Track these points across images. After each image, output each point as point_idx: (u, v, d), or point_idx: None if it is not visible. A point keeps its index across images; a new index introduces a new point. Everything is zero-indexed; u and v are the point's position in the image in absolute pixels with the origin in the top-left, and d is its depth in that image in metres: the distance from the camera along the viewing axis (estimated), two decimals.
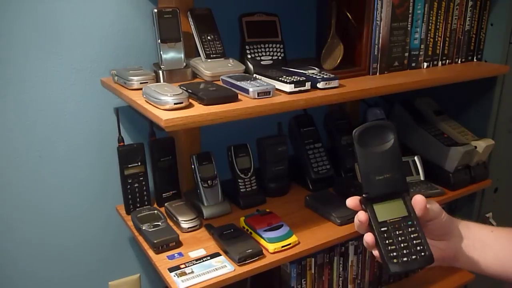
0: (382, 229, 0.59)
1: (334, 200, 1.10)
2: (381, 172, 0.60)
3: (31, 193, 1.08)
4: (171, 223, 1.01)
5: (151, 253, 0.93)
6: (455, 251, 0.65)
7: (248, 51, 1.02)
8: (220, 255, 0.92)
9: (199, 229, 1.02)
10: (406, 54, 1.13)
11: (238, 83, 0.87)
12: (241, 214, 1.05)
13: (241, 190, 1.12)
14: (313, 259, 1.10)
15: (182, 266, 0.88)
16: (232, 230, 0.98)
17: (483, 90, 1.26)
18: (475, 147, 1.21)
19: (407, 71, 1.14)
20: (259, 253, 0.91)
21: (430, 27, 1.15)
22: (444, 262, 0.65)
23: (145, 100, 0.83)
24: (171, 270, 0.87)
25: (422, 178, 1.22)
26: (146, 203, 1.09)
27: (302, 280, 1.10)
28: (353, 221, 0.62)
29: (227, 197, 1.11)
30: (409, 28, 1.11)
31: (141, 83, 0.91)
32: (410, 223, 0.60)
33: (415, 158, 1.23)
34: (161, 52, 0.95)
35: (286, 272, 1.09)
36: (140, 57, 1.11)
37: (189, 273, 0.86)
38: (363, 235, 0.61)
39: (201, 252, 0.93)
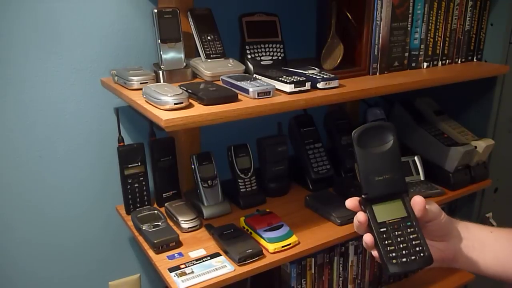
0: (381, 229, 0.59)
1: (334, 200, 1.10)
2: (380, 173, 0.60)
3: (31, 193, 1.08)
4: (171, 223, 1.01)
5: (151, 253, 0.93)
6: (454, 252, 0.65)
7: (248, 51, 1.02)
8: (220, 255, 0.92)
9: (199, 229, 1.02)
10: (406, 54, 1.13)
11: (238, 83, 0.87)
12: (241, 214, 1.05)
13: (241, 190, 1.12)
14: (313, 259, 1.10)
15: (182, 266, 0.89)
16: (232, 230, 0.98)
17: (483, 90, 1.26)
18: (475, 147, 1.21)
19: (407, 71, 1.14)
20: (259, 253, 0.91)
21: (430, 27, 1.15)
22: (444, 263, 0.65)
23: (145, 100, 0.83)
24: (171, 270, 0.87)
25: (422, 178, 1.22)
26: (146, 203, 1.09)
27: (302, 280, 1.10)
28: (353, 221, 0.62)
29: (227, 197, 1.11)
30: (409, 28, 1.10)
31: (141, 83, 0.91)
32: (409, 223, 0.60)
33: (415, 158, 1.23)
34: (161, 52, 0.95)
35: (286, 272, 1.09)
36: (140, 57, 1.11)
37: (189, 273, 0.86)
38: (363, 235, 0.61)
39: (201, 252, 0.94)
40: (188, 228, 1.01)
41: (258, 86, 0.85)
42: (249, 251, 0.90)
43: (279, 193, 1.19)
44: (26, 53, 0.99)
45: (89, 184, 1.14)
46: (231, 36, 1.04)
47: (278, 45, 1.06)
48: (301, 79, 0.88)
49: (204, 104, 0.80)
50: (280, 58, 1.05)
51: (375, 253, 0.60)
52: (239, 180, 1.12)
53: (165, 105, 0.77)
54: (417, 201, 0.60)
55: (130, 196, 1.07)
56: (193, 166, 1.07)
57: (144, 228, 0.97)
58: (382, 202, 0.61)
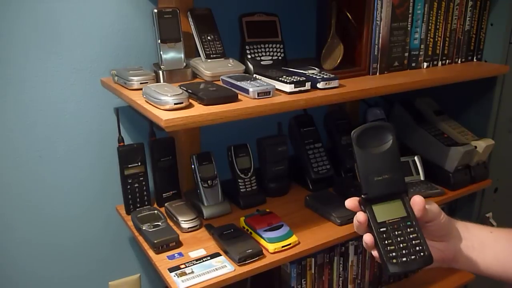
0: (381, 229, 0.59)
1: (334, 200, 1.10)
2: (380, 173, 0.60)
3: (31, 193, 1.08)
4: (171, 223, 1.01)
5: (151, 253, 0.93)
6: (454, 252, 0.65)
7: (248, 51, 1.02)
8: (220, 255, 0.92)
9: (199, 229, 1.02)
10: (406, 54, 1.13)
11: (238, 83, 0.87)
12: (241, 214, 1.05)
13: (241, 190, 1.12)
14: (313, 259, 1.10)
15: (182, 266, 0.89)
16: (232, 230, 0.98)
17: (483, 90, 1.26)
18: (475, 147, 1.21)
19: (407, 71, 1.14)
20: (259, 253, 0.91)
21: (430, 27, 1.15)
22: (444, 263, 0.65)
23: (145, 100, 0.83)
24: (171, 270, 0.87)
25: (422, 178, 1.22)
26: (146, 203, 1.09)
27: (302, 280, 1.10)
28: (353, 221, 0.62)
29: (227, 197, 1.11)
30: (409, 28, 1.10)
31: (141, 83, 0.91)
32: (409, 223, 0.60)
33: (415, 158, 1.23)
34: (161, 52, 0.95)
35: (286, 272, 1.09)
36: (140, 57, 1.11)
37: (189, 273, 0.86)
38: (363, 235, 0.61)
39: (201, 252, 0.94)
40: (188, 228, 1.01)
41: (258, 86, 0.85)
42: (249, 251, 0.90)
43: (279, 193, 1.19)
44: (26, 53, 0.99)
45: (89, 184, 1.14)
46: (231, 36, 1.04)
47: (278, 45, 1.06)
48: (301, 79, 0.88)
49: (204, 104, 0.80)
50: (280, 58, 1.05)
51: (375, 253, 0.60)
52: (239, 180, 1.12)
53: (165, 105, 0.77)
54: (417, 201, 0.60)
55: (130, 196, 1.07)
56: (193, 166, 1.07)
57: (144, 228, 0.97)
58: (381, 202, 0.61)
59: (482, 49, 1.28)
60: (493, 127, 1.28)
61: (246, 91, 0.85)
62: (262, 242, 0.95)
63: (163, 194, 1.12)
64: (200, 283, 0.84)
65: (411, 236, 0.59)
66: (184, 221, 1.01)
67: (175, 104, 0.77)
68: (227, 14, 1.07)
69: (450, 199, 1.21)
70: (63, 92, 1.05)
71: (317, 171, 1.20)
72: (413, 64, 1.15)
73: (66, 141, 1.09)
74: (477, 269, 0.66)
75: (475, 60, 1.28)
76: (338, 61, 1.03)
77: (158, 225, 0.98)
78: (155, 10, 0.94)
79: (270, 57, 1.04)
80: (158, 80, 0.95)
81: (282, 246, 0.94)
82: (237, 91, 0.85)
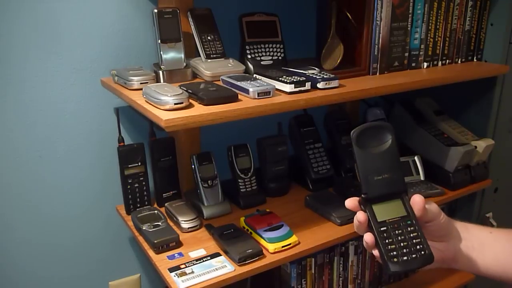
0: (382, 229, 0.59)
1: (334, 200, 1.10)
2: (379, 173, 0.60)
3: (31, 193, 1.08)
4: (171, 223, 1.01)
5: (151, 253, 0.93)
6: (454, 252, 0.65)
7: (248, 51, 1.02)
8: (220, 255, 0.92)
9: (199, 229, 1.02)
10: (406, 54, 1.13)
11: (238, 83, 0.87)
12: (241, 214, 1.05)
13: (241, 190, 1.12)
14: (313, 259, 1.10)
15: (182, 266, 0.89)
16: (232, 230, 0.98)
17: (483, 90, 1.26)
18: (475, 147, 1.21)
19: (407, 71, 1.14)
20: (259, 253, 0.91)
21: (430, 27, 1.15)
22: (444, 263, 0.65)
23: (145, 100, 0.83)
24: (171, 270, 0.87)
25: (422, 178, 1.22)
26: (146, 203, 1.09)
27: (302, 280, 1.10)
28: (353, 221, 0.62)
29: (227, 197, 1.11)
30: (409, 28, 1.11)
31: (141, 83, 0.91)
32: (409, 222, 0.60)
33: (415, 158, 1.23)
34: (161, 52, 0.95)
35: (286, 272, 1.09)
36: (140, 57, 1.11)
37: (189, 273, 0.86)
38: (363, 235, 0.61)
39: (201, 252, 0.94)
40: (188, 228, 1.01)
41: (258, 86, 0.85)
42: (249, 251, 0.90)
43: (279, 193, 1.19)
44: (26, 53, 0.99)
45: (89, 184, 1.14)
46: (231, 36, 1.04)
47: (278, 45, 1.06)
48: (301, 79, 0.88)
49: (204, 104, 0.80)
50: (280, 58, 1.05)
51: (375, 252, 0.60)
52: (239, 180, 1.12)
53: (165, 105, 0.77)
54: (417, 201, 0.61)
55: (130, 196, 1.07)
56: (193, 166, 1.07)
57: (144, 228, 0.97)
58: (381, 202, 0.61)
59: (482, 49, 1.28)
60: (493, 127, 1.28)
61: (246, 91, 0.85)
62: (262, 242, 0.95)
63: (163, 194, 1.12)
64: (200, 283, 0.84)
65: (411, 235, 0.59)
66: (184, 221, 1.01)
67: (175, 104, 0.77)
68: (227, 14, 1.07)
69: (450, 199, 1.21)
70: (63, 92, 1.06)
71: (317, 171, 1.20)
72: (413, 64, 1.15)
73: (66, 141, 1.09)
74: (477, 269, 0.66)
75: (475, 60, 1.28)
76: (338, 61, 1.03)
77: (158, 225, 0.98)
78: (155, 10, 0.94)
79: (270, 57, 1.04)
80: (158, 80, 0.95)
81: (282, 246, 0.94)
82: (237, 91, 0.85)
